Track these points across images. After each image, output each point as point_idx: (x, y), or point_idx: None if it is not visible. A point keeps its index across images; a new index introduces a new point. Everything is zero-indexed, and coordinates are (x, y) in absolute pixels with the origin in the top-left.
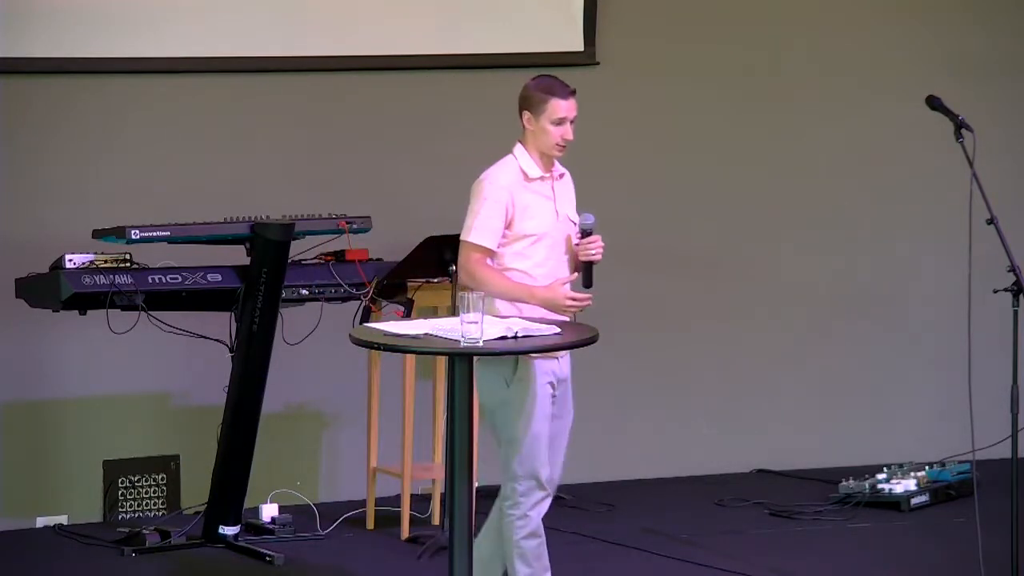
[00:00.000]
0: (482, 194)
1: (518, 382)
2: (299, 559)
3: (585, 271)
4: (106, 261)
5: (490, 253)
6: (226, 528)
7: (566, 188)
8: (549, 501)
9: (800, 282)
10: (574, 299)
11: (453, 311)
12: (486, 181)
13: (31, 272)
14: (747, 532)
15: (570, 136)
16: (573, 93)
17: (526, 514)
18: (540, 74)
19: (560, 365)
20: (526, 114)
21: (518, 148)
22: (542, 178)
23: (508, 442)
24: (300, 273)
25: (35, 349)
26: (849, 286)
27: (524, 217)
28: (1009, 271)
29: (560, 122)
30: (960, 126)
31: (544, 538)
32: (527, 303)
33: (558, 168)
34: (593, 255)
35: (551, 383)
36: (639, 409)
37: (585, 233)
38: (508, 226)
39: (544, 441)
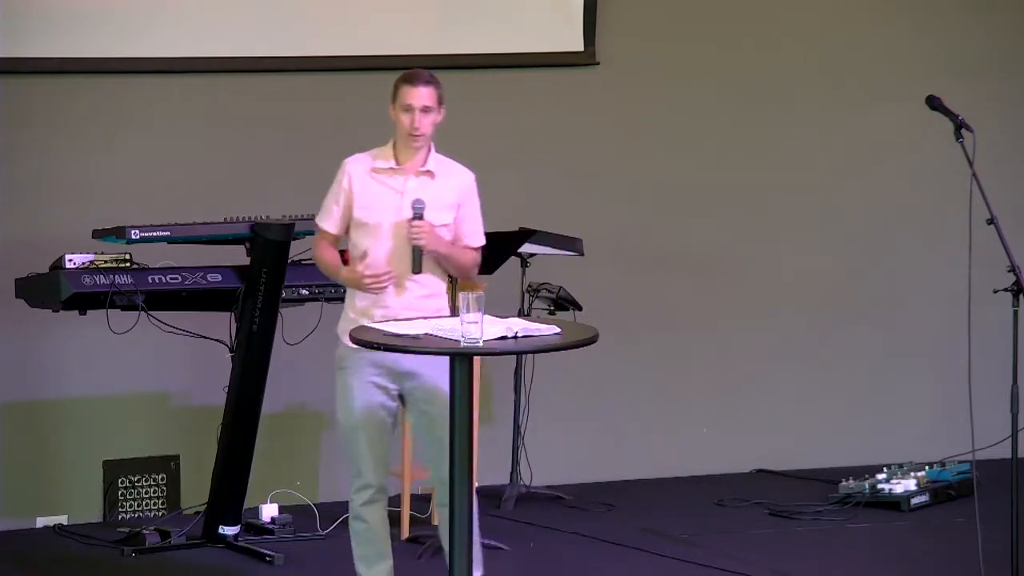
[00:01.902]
0: (335, 179)
1: (341, 371)
2: (299, 559)
3: (412, 255)
4: (106, 261)
5: (332, 236)
6: (226, 528)
7: (435, 188)
8: (370, 493)
9: (800, 282)
10: (372, 276)
11: (453, 311)
12: (340, 167)
13: (31, 272)
14: (747, 532)
15: (418, 126)
16: (428, 83)
17: (352, 499)
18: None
19: (398, 359)
20: (390, 105)
21: (390, 140)
22: (393, 170)
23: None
24: (300, 273)
25: (35, 349)
26: (849, 286)
27: (361, 205)
28: (1009, 271)
29: (407, 109)
30: (960, 126)
31: (373, 531)
32: (339, 279)
33: (428, 166)
34: (414, 238)
35: (379, 378)
36: (639, 409)
37: (415, 216)
38: (350, 211)
39: (360, 433)
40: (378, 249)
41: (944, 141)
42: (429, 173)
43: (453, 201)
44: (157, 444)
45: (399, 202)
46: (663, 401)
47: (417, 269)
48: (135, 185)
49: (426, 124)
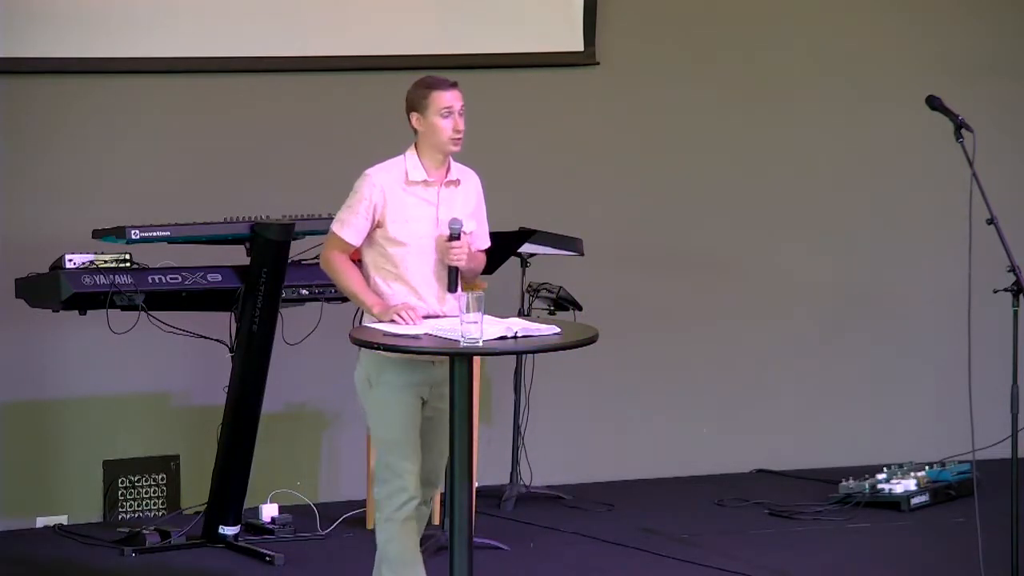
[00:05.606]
0: (358, 190)
1: (379, 385)
2: (299, 559)
3: (449, 275)
4: (106, 261)
5: (348, 246)
6: (226, 528)
7: (461, 196)
8: (415, 504)
9: (800, 282)
10: (408, 311)
11: None
12: (364, 178)
13: (31, 272)
14: (747, 532)
15: (461, 127)
16: (454, 85)
17: (390, 517)
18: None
19: (438, 370)
20: (414, 115)
21: (409, 151)
22: (426, 183)
23: (375, 442)
24: (300, 273)
25: (35, 349)
26: (849, 286)
27: (398, 220)
28: (1009, 271)
29: (447, 112)
30: (960, 126)
31: (407, 541)
32: (366, 311)
33: (453, 175)
34: (453, 259)
35: (414, 387)
36: (639, 409)
37: (453, 237)
38: (380, 226)
39: (405, 445)
40: (419, 265)
41: (944, 141)
42: (456, 182)
43: (474, 205)
44: (157, 444)
45: (434, 215)
46: (663, 401)
47: (454, 288)
48: (135, 185)
49: (463, 123)
